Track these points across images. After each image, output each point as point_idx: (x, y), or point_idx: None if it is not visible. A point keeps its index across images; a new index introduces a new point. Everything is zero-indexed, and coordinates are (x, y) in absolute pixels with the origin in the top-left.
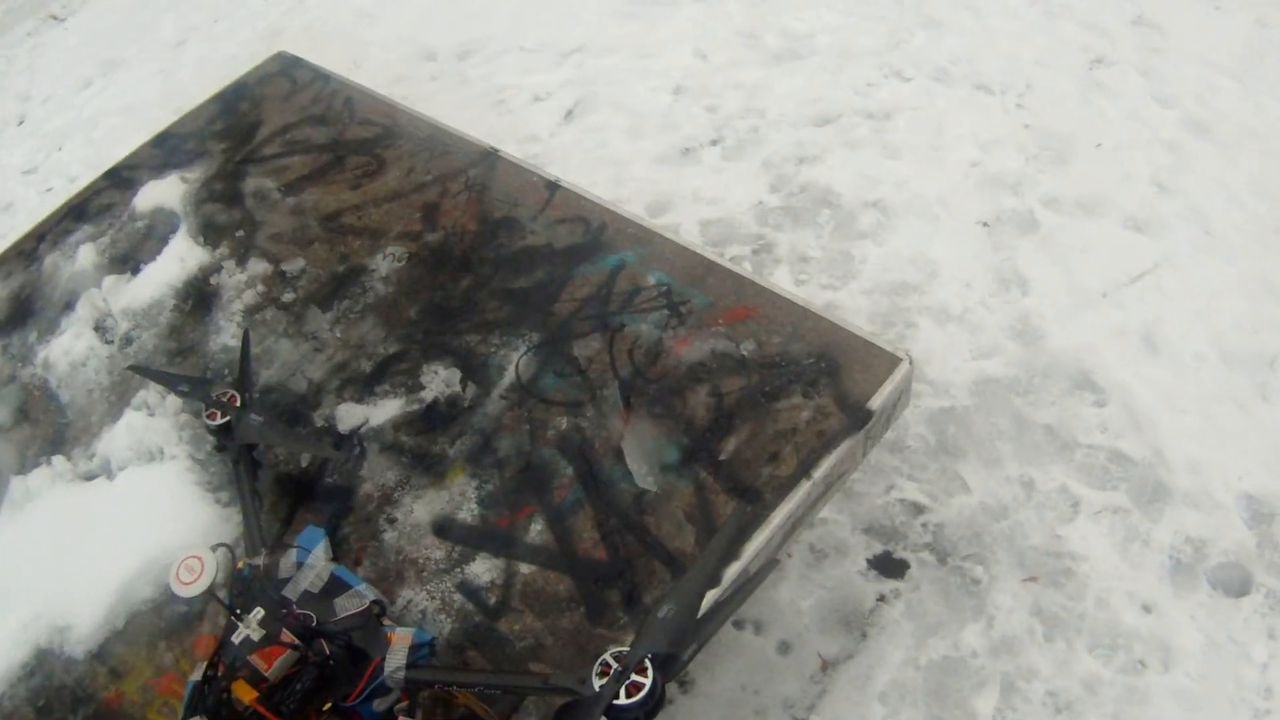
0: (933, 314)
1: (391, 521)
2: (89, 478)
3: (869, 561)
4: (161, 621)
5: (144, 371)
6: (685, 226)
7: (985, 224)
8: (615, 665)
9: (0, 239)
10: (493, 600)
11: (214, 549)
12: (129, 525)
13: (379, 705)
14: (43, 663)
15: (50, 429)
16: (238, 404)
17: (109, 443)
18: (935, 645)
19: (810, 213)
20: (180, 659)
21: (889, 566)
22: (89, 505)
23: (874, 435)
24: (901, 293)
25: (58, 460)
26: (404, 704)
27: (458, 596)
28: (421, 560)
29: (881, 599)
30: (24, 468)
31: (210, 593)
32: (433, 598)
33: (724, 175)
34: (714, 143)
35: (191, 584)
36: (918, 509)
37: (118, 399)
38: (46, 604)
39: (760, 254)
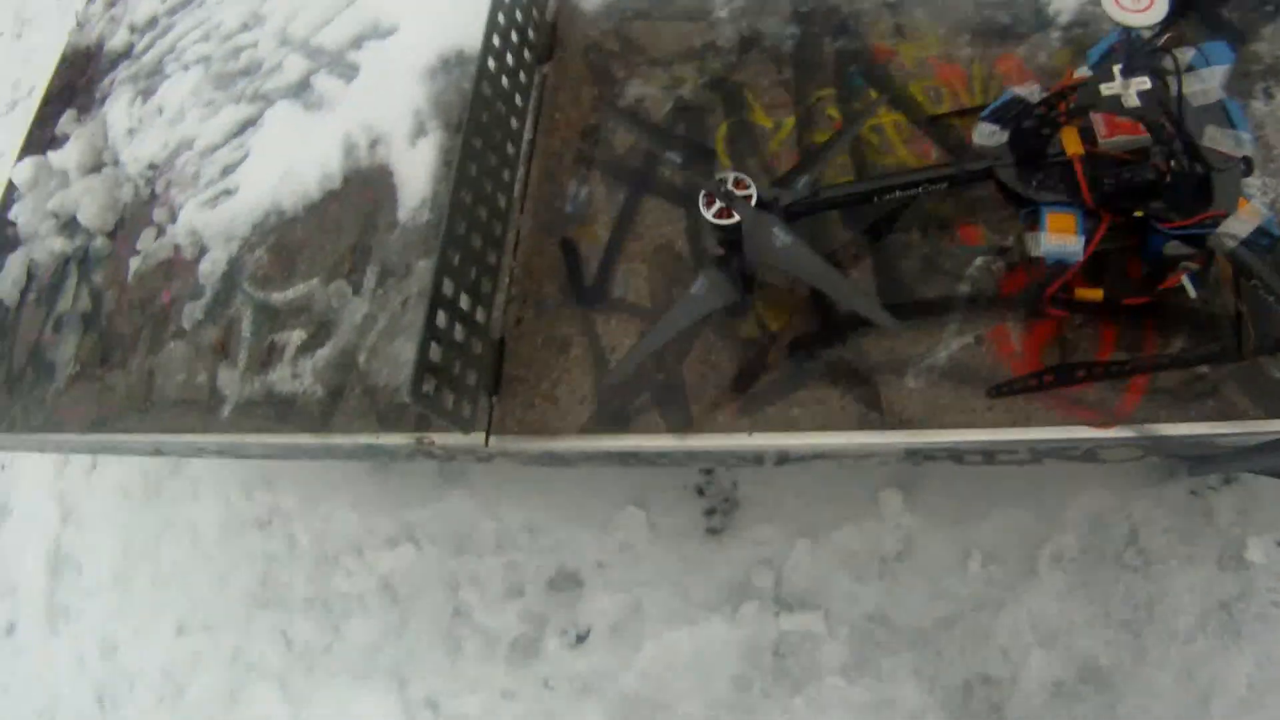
0: None
1: (1270, 96)
2: None
3: None
4: (1006, 18)
5: None
6: None
7: None
8: None
9: None
10: None
11: None
12: None
13: (1171, 249)
14: None
15: None
16: None
17: None
18: None
19: None
20: (987, 67)
21: None
22: None
23: None
24: None
25: None
26: (1196, 267)
27: None
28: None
29: None
30: None
31: (1140, 35)
32: (1264, 193)
33: None
34: None
35: (1139, 13)
36: None
37: None
38: None
39: None
